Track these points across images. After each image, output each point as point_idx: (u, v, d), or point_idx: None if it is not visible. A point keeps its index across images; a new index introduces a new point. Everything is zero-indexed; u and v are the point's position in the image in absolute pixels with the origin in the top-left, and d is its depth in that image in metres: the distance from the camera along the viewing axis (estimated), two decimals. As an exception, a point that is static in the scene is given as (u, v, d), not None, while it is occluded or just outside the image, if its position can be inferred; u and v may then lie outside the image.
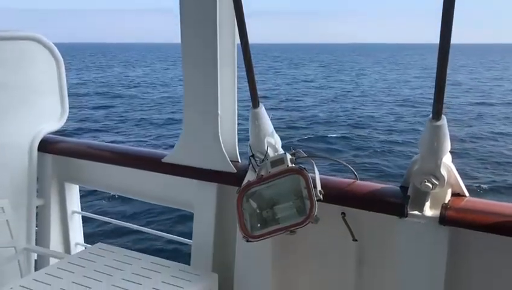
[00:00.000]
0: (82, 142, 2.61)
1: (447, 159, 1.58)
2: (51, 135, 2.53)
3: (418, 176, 1.57)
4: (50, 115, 2.53)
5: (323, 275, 1.98)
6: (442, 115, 1.49)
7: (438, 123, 1.49)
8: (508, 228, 1.49)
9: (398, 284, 1.66)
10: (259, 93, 1.79)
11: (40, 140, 2.47)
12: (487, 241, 1.58)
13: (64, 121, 2.58)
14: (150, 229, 2.64)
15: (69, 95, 2.59)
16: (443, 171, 1.55)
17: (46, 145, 2.48)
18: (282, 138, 1.92)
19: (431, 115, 1.50)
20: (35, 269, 2.43)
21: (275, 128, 1.88)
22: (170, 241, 5.46)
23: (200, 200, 2.11)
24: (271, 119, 1.86)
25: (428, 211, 1.60)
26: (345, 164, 1.91)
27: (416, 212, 1.60)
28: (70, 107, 2.61)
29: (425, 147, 1.54)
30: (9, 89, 2.35)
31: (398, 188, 1.71)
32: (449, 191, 1.62)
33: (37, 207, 2.53)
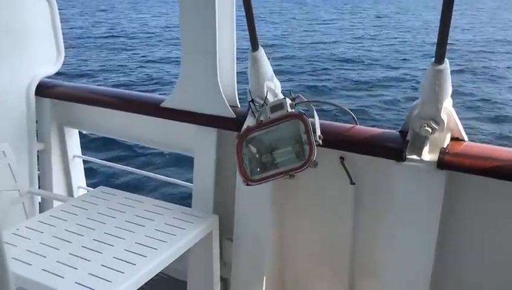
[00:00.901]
0: (80, 87, 2.59)
1: (447, 103, 1.57)
2: (48, 79, 2.50)
3: (418, 121, 1.57)
4: (45, 59, 2.49)
5: (321, 218, 2.03)
6: (445, 59, 1.46)
7: (441, 67, 1.47)
8: (506, 172, 1.50)
9: (394, 227, 1.71)
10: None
11: (37, 84, 2.45)
12: (485, 186, 1.61)
13: (61, 64, 2.54)
14: (151, 173, 2.68)
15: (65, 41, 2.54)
16: (443, 116, 1.55)
17: (43, 90, 2.46)
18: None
19: (433, 59, 1.47)
20: (40, 212, 2.49)
21: (274, 72, 1.86)
22: (171, 186, 5.60)
23: (200, 145, 2.12)
24: (271, 63, 1.83)
25: (427, 155, 1.61)
26: (345, 108, 1.91)
27: (414, 156, 1.62)
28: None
29: (426, 92, 1.53)
30: (1, 33, 2.29)
31: (398, 132, 1.72)
32: (448, 136, 1.62)
33: (38, 152, 2.54)
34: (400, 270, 1.72)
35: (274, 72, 1.86)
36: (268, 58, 1.81)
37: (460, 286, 1.78)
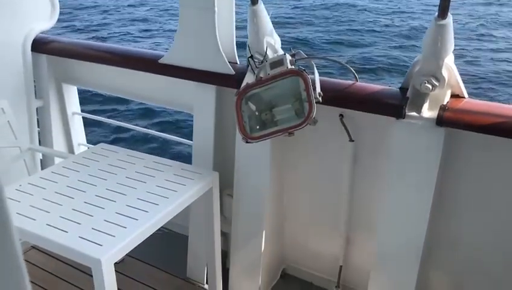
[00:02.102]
0: (77, 42, 2.54)
1: (449, 59, 1.55)
2: (43, 35, 2.46)
3: (419, 77, 1.56)
4: (40, 13, 2.43)
5: (320, 175, 2.06)
6: (449, 14, 1.43)
7: (443, 22, 1.44)
8: (505, 129, 1.50)
9: (392, 184, 1.73)
10: None
11: (32, 40, 2.41)
12: (484, 143, 1.61)
13: (56, 19, 2.49)
14: (151, 131, 2.69)
15: None
16: (444, 73, 1.53)
17: (39, 45, 2.42)
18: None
19: (437, 13, 1.44)
20: (41, 169, 2.51)
21: (274, 26, 1.82)
22: (171, 144, 5.61)
23: (199, 101, 2.11)
24: (270, 18, 1.79)
25: (427, 112, 1.61)
26: (345, 65, 1.89)
27: (414, 113, 1.61)
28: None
29: (428, 47, 1.51)
30: None
31: (398, 89, 1.71)
32: (448, 93, 1.62)
33: (37, 109, 2.54)
34: (395, 226, 1.76)
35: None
36: (268, 13, 1.78)
37: (456, 243, 1.82)
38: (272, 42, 1.81)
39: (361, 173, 1.92)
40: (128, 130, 5.31)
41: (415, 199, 1.69)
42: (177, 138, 2.55)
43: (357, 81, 1.79)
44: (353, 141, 1.86)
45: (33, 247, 2.19)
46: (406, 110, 1.62)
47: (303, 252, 2.26)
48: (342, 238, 2.06)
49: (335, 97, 1.74)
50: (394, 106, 1.65)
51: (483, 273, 1.80)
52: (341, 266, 2.11)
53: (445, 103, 1.59)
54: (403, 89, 1.68)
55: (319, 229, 2.16)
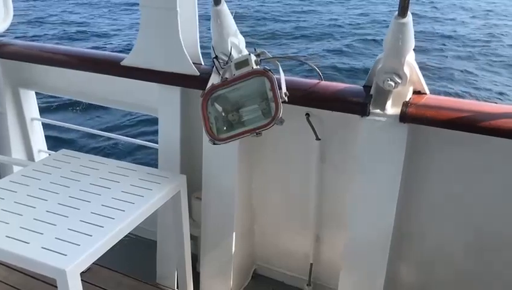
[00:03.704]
0: (33, 45, 2.45)
1: (410, 57, 1.59)
2: None
3: (381, 75, 1.59)
4: None
5: (288, 174, 2.06)
6: (409, 12, 1.46)
7: (404, 20, 1.47)
8: (466, 124, 1.55)
9: (358, 181, 1.75)
10: None
11: None
12: (446, 138, 1.66)
13: (10, 22, 2.38)
14: (115, 135, 2.62)
15: None
16: (406, 70, 1.57)
17: None
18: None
19: (397, 12, 1.47)
20: None
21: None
22: (135, 149, 5.49)
23: (164, 104, 2.07)
24: (234, 18, 1.78)
25: (390, 109, 1.64)
26: (310, 64, 1.90)
27: (378, 110, 1.64)
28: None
29: (389, 45, 1.54)
30: None
31: (361, 87, 1.74)
32: (411, 89, 1.65)
33: None
34: (363, 223, 1.79)
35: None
36: (231, 13, 1.76)
37: (422, 237, 1.88)
38: (237, 42, 1.80)
39: (329, 170, 1.94)
40: (90, 135, 5.17)
41: (382, 194, 1.72)
42: (142, 141, 2.50)
43: (322, 80, 1.81)
44: (320, 139, 1.87)
45: (-7, 260, 2.10)
46: (370, 108, 1.65)
47: (274, 251, 2.26)
48: (311, 236, 2.07)
49: (301, 96, 1.75)
50: (359, 104, 1.67)
51: (450, 265, 1.86)
52: (311, 264, 2.12)
53: (407, 100, 1.63)
54: (367, 87, 1.71)
55: (289, 228, 2.17)
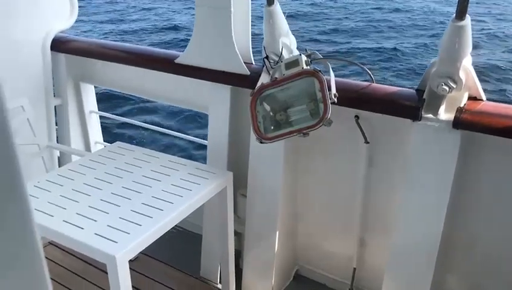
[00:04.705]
0: (94, 42, 2.58)
1: (467, 61, 1.53)
2: (62, 34, 2.50)
3: (435, 79, 1.54)
4: (59, 13, 2.48)
5: (334, 176, 2.05)
6: (467, 15, 1.42)
7: (462, 23, 1.42)
8: None
9: (406, 187, 1.71)
10: None
11: (52, 39, 2.45)
12: (501, 147, 1.59)
13: (74, 19, 2.53)
14: (167, 130, 2.71)
15: None
16: (462, 75, 1.51)
17: (58, 45, 2.46)
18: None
19: (454, 14, 1.43)
20: (59, 166, 2.55)
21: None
22: (186, 144, 5.63)
23: (214, 102, 2.12)
24: (286, 18, 1.80)
25: (443, 114, 1.59)
26: (361, 66, 1.88)
27: (430, 115, 1.60)
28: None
29: (445, 49, 1.49)
30: None
31: (414, 91, 1.70)
32: (466, 95, 1.60)
33: (55, 107, 2.58)
34: (409, 230, 1.75)
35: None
36: (284, 13, 1.78)
37: (470, 248, 1.80)
38: (288, 43, 1.81)
39: (376, 174, 1.91)
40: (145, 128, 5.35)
41: (431, 201, 1.67)
42: (192, 137, 2.57)
43: (373, 82, 1.78)
44: (368, 142, 1.85)
45: (50, 243, 2.23)
46: (422, 112, 1.61)
47: (316, 253, 2.25)
48: (355, 240, 2.05)
49: (351, 98, 1.74)
50: (410, 108, 1.63)
51: (499, 276, 1.78)
52: (355, 268, 2.10)
53: (462, 105, 1.57)
54: (420, 91, 1.66)
55: (333, 230, 2.16)
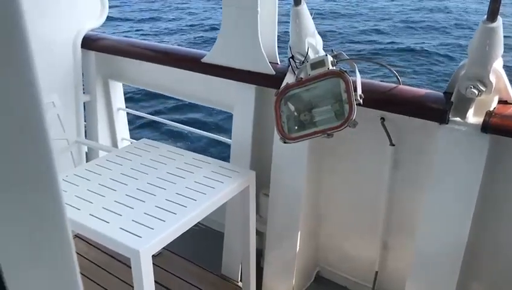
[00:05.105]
0: (124, 40, 2.63)
1: (497, 64, 1.50)
2: (93, 32, 2.56)
3: (464, 82, 1.51)
4: (90, 12, 2.53)
5: (358, 178, 2.03)
6: (498, 16, 1.38)
7: (493, 25, 1.39)
8: None
9: (432, 191, 1.69)
10: None
11: (82, 37, 2.51)
12: None
13: (105, 18, 2.58)
14: (192, 128, 2.74)
15: None
16: (492, 78, 1.48)
17: (89, 43, 2.52)
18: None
19: (485, 16, 1.40)
20: (87, 161, 2.61)
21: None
22: (210, 142, 5.68)
23: (239, 101, 2.13)
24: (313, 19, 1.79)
25: (472, 118, 1.56)
26: (388, 67, 1.86)
27: (458, 119, 1.57)
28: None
29: (475, 51, 1.46)
30: None
31: (442, 93, 1.67)
32: (496, 98, 1.56)
33: (84, 103, 2.64)
34: (434, 235, 1.72)
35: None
36: (311, 14, 1.77)
37: (496, 256, 1.76)
38: (314, 43, 1.81)
39: (401, 177, 1.88)
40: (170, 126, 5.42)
41: (457, 206, 1.64)
42: (216, 136, 2.59)
43: (400, 84, 1.76)
44: (394, 145, 1.82)
45: (77, 236, 2.28)
46: (450, 116, 1.58)
47: (338, 255, 2.24)
48: (378, 243, 2.03)
49: (376, 99, 1.72)
50: (438, 111, 1.61)
51: None
52: (377, 272, 2.07)
53: (491, 109, 1.54)
54: (447, 94, 1.64)
55: (356, 232, 2.14)
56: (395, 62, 9.90)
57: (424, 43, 11.44)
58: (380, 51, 10.88)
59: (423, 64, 10.16)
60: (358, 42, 11.36)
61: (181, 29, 12.96)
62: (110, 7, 2.60)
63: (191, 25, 13.25)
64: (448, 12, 14.48)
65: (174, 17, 14.20)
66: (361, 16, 14.17)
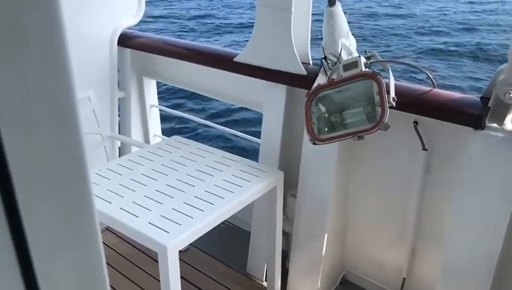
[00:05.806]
0: (158, 38, 2.68)
1: None
2: (129, 30, 2.62)
3: (503, 87, 1.46)
4: (127, 10, 2.59)
5: (388, 182, 2.00)
6: None
7: None
8: None
9: (465, 198, 1.64)
10: None
11: (119, 34, 2.57)
12: None
13: (141, 16, 2.64)
14: (222, 127, 2.76)
15: None
16: None
17: (125, 40, 2.58)
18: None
19: None
20: (119, 156, 2.68)
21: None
22: (240, 141, 5.71)
23: (270, 101, 2.13)
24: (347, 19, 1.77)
25: (509, 124, 1.51)
26: (423, 70, 1.82)
27: (495, 125, 1.52)
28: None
29: None
30: None
31: (478, 98, 1.62)
32: None
33: (118, 99, 2.71)
34: (464, 244, 1.67)
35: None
36: (345, 14, 1.75)
37: None
38: (347, 44, 1.79)
39: (432, 182, 1.84)
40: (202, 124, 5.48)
41: (491, 214, 1.59)
42: (246, 135, 2.60)
43: (435, 87, 1.72)
44: (426, 149, 1.78)
45: (107, 228, 2.34)
46: (486, 121, 1.53)
47: (365, 259, 2.21)
48: (407, 249, 1.99)
49: (410, 103, 1.69)
50: (474, 116, 1.56)
51: None
52: (404, 279, 2.03)
53: None
54: (484, 99, 1.59)
55: (384, 237, 2.10)
56: (436, 66, 9.65)
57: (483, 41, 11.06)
58: (419, 54, 10.67)
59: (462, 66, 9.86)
60: (395, 44, 11.18)
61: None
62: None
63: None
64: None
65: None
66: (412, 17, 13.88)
